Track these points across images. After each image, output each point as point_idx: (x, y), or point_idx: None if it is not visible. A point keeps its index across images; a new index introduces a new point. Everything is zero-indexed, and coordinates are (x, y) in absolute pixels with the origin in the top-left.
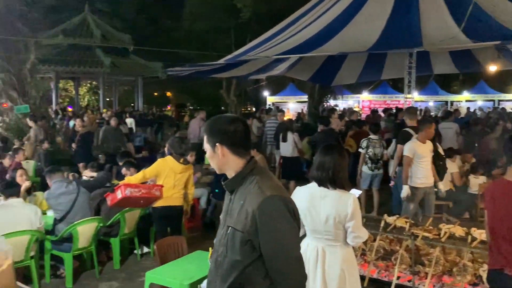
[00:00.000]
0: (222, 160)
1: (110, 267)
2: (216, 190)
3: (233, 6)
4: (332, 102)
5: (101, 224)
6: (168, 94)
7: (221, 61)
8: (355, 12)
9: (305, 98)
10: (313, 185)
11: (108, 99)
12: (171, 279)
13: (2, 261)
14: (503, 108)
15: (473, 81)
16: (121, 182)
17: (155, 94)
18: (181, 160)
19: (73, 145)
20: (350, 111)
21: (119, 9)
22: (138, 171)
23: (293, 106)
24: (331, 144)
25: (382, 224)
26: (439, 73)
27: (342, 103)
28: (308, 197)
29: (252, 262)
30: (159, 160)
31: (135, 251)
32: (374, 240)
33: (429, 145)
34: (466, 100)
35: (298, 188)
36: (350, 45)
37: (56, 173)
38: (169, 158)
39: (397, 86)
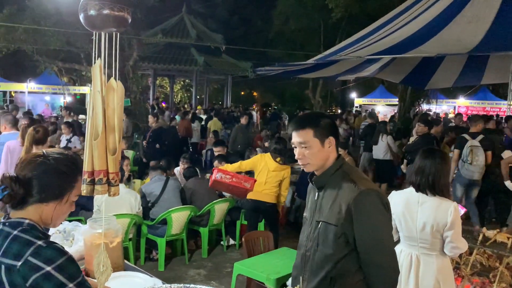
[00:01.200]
0: (328, 154)
1: (198, 256)
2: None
3: (324, 6)
4: (425, 107)
5: (193, 213)
6: (254, 93)
7: (311, 60)
8: (457, 11)
9: (395, 101)
10: (410, 190)
11: (198, 97)
12: (258, 272)
13: (113, 239)
14: None
15: None
16: (219, 167)
17: (242, 93)
18: (278, 159)
19: (144, 142)
20: (459, 117)
21: (213, 10)
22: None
23: (382, 109)
24: (432, 148)
25: (480, 237)
26: None
27: (435, 107)
28: (404, 202)
29: (345, 256)
30: (258, 155)
31: (222, 242)
32: (470, 253)
33: None
34: None
35: (394, 192)
36: (449, 46)
37: (156, 170)
38: (267, 154)
39: (499, 92)
